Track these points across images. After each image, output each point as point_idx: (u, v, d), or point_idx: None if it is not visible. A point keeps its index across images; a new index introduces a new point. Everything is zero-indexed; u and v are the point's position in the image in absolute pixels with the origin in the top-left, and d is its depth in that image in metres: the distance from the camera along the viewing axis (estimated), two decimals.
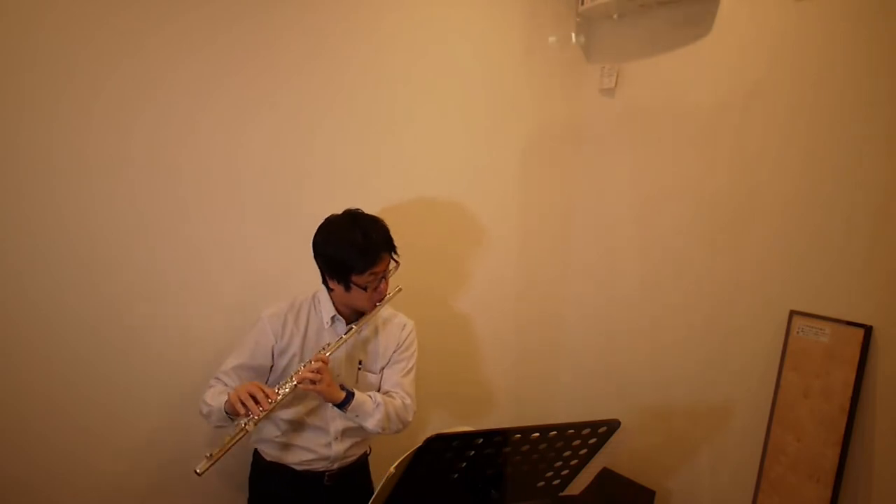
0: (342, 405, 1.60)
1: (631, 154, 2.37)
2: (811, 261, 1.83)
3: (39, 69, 1.62)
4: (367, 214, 1.66)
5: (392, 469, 1.19)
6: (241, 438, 1.45)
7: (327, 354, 1.58)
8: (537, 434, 1.24)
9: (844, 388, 1.69)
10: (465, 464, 1.25)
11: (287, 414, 1.69)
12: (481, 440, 1.21)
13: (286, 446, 1.71)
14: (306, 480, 1.72)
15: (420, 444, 1.15)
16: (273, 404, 1.48)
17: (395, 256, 1.66)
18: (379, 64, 2.09)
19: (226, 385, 1.65)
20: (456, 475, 1.27)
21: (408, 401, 1.73)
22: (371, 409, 1.64)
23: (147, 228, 1.80)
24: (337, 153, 2.05)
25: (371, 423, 1.63)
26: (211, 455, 1.41)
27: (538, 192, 2.48)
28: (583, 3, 2.35)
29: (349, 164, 2.08)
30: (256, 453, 1.80)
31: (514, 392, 2.56)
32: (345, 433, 1.72)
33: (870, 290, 1.70)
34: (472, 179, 2.33)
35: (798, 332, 1.83)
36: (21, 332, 1.68)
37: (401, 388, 1.74)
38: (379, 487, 1.23)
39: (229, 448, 1.43)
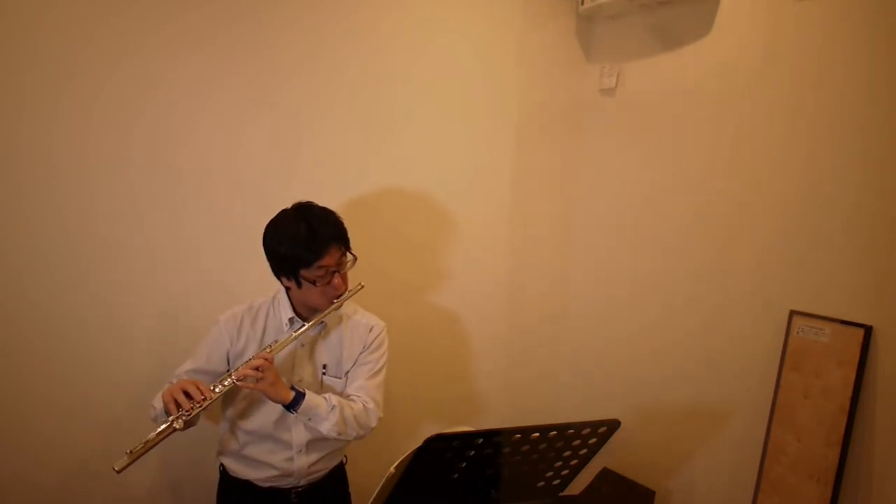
0: (291, 407, 1.50)
1: (631, 154, 2.36)
2: (811, 261, 1.83)
3: (39, 69, 1.62)
4: (318, 206, 1.57)
5: (392, 469, 1.19)
6: (168, 434, 1.36)
7: (273, 352, 1.50)
8: (537, 434, 1.24)
9: (844, 388, 1.69)
10: (465, 464, 1.25)
11: (249, 424, 1.60)
12: (481, 440, 1.21)
13: (247, 460, 1.62)
14: (273, 499, 1.63)
15: (420, 444, 1.15)
16: (208, 401, 1.40)
17: (344, 250, 1.57)
18: (379, 64, 2.09)
19: None
20: (456, 475, 1.27)
21: (370, 405, 1.62)
22: (325, 412, 1.53)
23: (147, 228, 1.79)
24: (337, 153, 2.05)
25: (325, 428, 1.53)
26: (131, 451, 1.33)
27: (538, 191, 2.48)
28: (583, 3, 2.35)
29: (349, 163, 2.08)
30: (222, 468, 1.70)
31: (514, 392, 2.56)
32: (310, 445, 1.62)
33: (870, 290, 1.70)
34: (472, 178, 2.33)
35: (798, 332, 1.83)
36: (21, 332, 1.68)
37: (364, 392, 1.63)
38: (379, 487, 1.23)
39: (152, 445, 1.35)
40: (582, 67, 2.49)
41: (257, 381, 1.45)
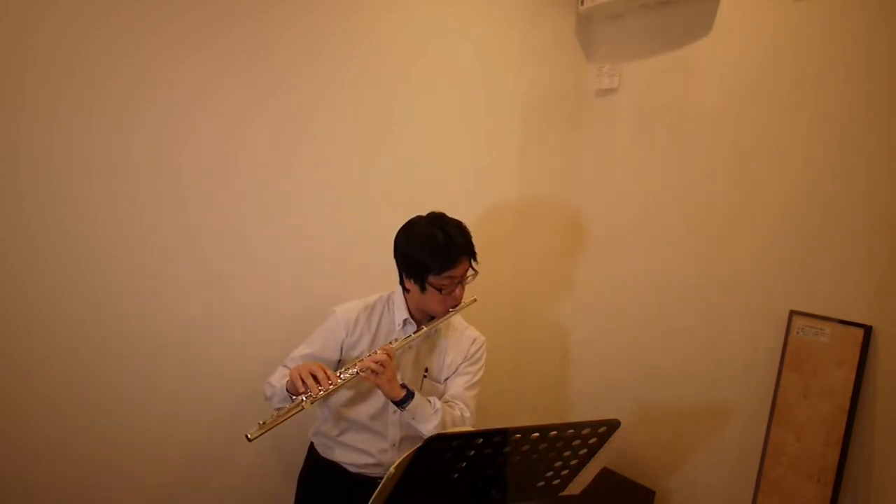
0: (401, 403, 1.57)
1: (631, 153, 2.37)
2: (811, 261, 1.83)
3: (39, 69, 1.62)
4: (451, 218, 1.65)
5: (392, 469, 1.19)
6: (296, 413, 1.43)
7: (393, 347, 1.57)
8: (537, 434, 1.24)
9: (844, 388, 1.70)
10: (465, 464, 1.25)
11: (350, 413, 1.68)
12: (481, 440, 1.21)
13: (344, 445, 1.70)
14: (357, 484, 1.68)
15: (420, 444, 1.15)
16: (333, 386, 1.47)
17: (473, 263, 1.65)
18: (379, 64, 2.09)
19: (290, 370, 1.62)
20: (456, 475, 1.27)
21: (466, 413, 1.69)
22: (430, 413, 1.61)
23: (147, 228, 1.79)
24: (337, 153, 2.05)
25: (427, 428, 1.60)
26: (264, 423, 1.40)
27: (538, 192, 2.48)
28: (583, 3, 2.35)
29: (349, 163, 2.08)
30: (312, 447, 1.78)
31: (514, 392, 2.56)
32: (402, 442, 1.69)
33: (870, 289, 1.70)
34: (473, 179, 2.33)
35: (798, 332, 1.83)
36: (21, 332, 1.68)
37: (461, 400, 1.71)
38: (379, 487, 1.23)
39: (283, 420, 1.41)
40: (582, 67, 2.49)
41: (377, 374, 1.51)
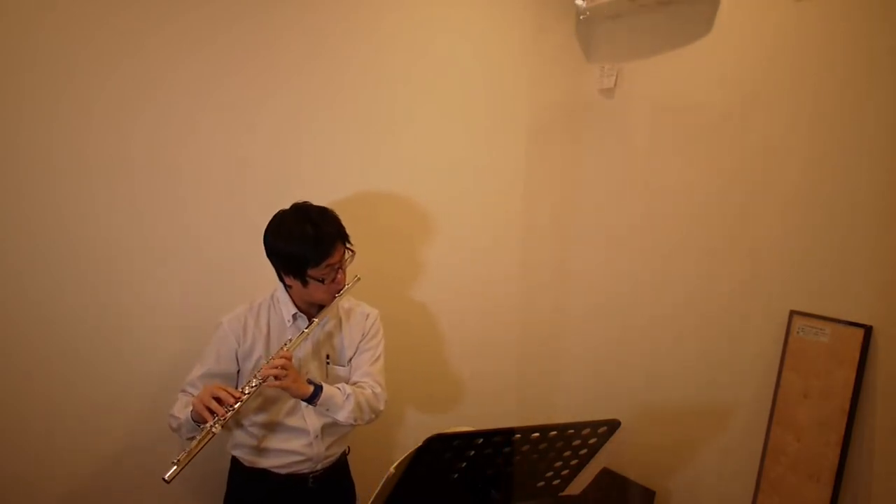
0: (311, 399, 1.56)
1: (631, 154, 2.36)
2: (811, 261, 1.83)
3: (40, 69, 1.62)
4: (316, 206, 1.62)
5: (392, 469, 1.19)
6: (208, 441, 1.41)
7: (290, 349, 1.55)
8: (537, 434, 1.24)
9: (844, 388, 1.69)
10: (465, 464, 1.25)
11: (262, 417, 1.65)
12: (481, 440, 1.21)
13: (266, 451, 1.66)
14: (290, 484, 1.67)
15: (420, 444, 1.15)
16: (239, 403, 1.45)
17: (348, 246, 1.63)
18: (379, 64, 2.09)
19: (192, 396, 1.60)
20: (456, 475, 1.27)
21: (378, 389, 1.69)
22: (341, 400, 1.60)
23: (147, 228, 1.79)
24: (337, 152, 2.05)
25: (343, 416, 1.61)
26: (178, 461, 1.37)
27: (538, 192, 2.48)
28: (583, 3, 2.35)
29: (349, 163, 2.08)
30: (234, 460, 1.73)
31: (515, 392, 2.56)
32: (324, 430, 1.68)
33: (870, 290, 1.70)
34: (472, 179, 2.33)
35: (798, 332, 1.83)
36: (21, 332, 1.68)
37: (370, 378, 1.70)
38: (379, 487, 1.23)
39: (196, 453, 1.39)
40: (582, 67, 2.49)
41: (279, 379, 1.50)
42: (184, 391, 1.64)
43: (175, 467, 1.37)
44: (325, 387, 1.59)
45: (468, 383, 2.44)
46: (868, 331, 1.67)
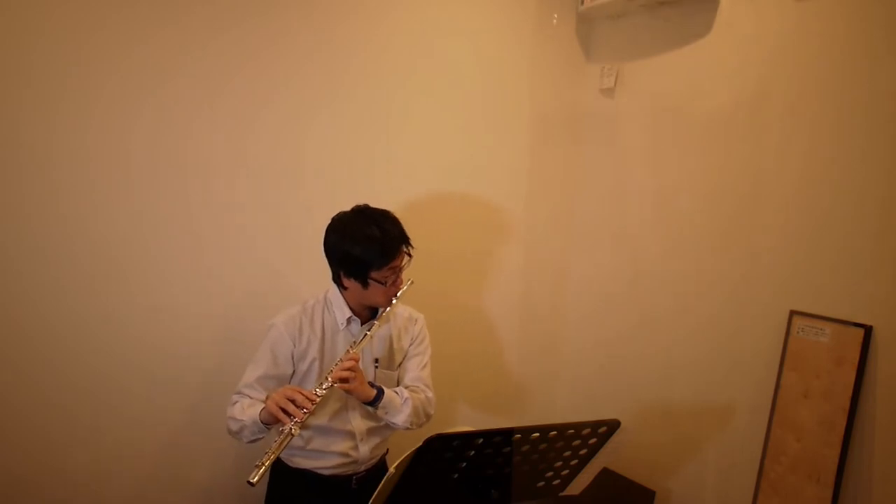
0: (373, 402, 1.58)
1: (631, 153, 2.37)
2: (811, 261, 1.83)
3: (40, 69, 1.62)
4: (377, 208, 1.63)
5: (392, 469, 1.19)
6: (288, 443, 1.42)
7: (357, 351, 1.56)
8: (537, 434, 1.24)
9: (844, 388, 1.69)
10: (465, 464, 1.25)
11: (313, 421, 1.65)
12: (481, 440, 1.21)
13: (312, 452, 1.68)
14: (334, 485, 1.69)
15: (420, 444, 1.15)
16: (314, 404, 1.46)
17: (408, 249, 1.63)
18: (378, 64, 2.09)
19: (250, 396, 1.61)
20: (456, 475, 1.27)
21: (429, 394, 1.72)
22: (400, 404, 1.62)
23: (147, 228, 1.79)
24: (338, 151, 2.05)
25: (401, 419, 1.62)
26: (261, 463, 1.39)
27: (539, 192, 2.48)
28: (583, 3, 2.35)
29: (349, 162, 2.08)
30: (277, 460, 1.70)
31: (515, 391, 2.56)
32: (369, 433, 1.70)
33: (870, 290, 1.70)
34: (472, 179, 2.33)
35: (798, 332, 1.83)
36: (21, 331, 1.68)
37: (420, 382, 1.72)
38: (379, 487, 1.23)
39: (278, 453, 1.41)
40: (582, 67, 2.49)
41: (348, 381, 1.51)
42: (240, 393, 1.63)
43: (259, 469, 1.38)
44: (386, 391, 1.60)
45: (467, 383, 2.44)
46: (868, 331, 1.67)
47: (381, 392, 1.59)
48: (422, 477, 1.22)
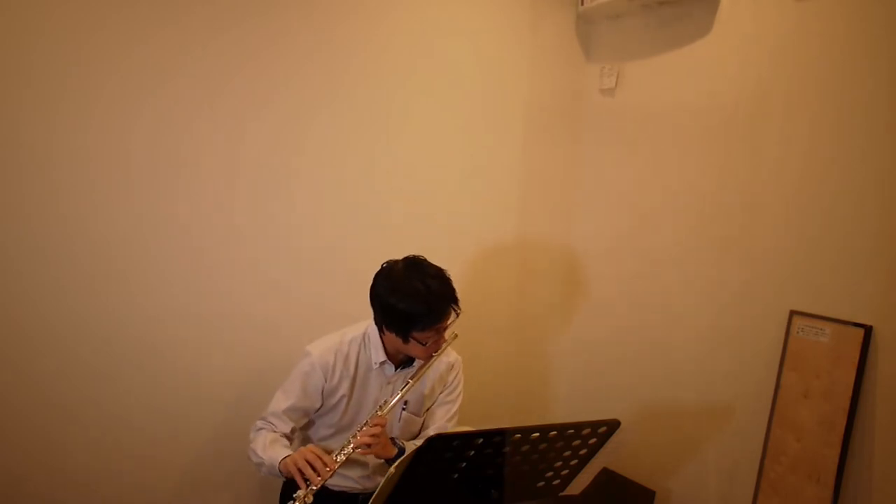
0: (392, 460, 1.56)
1: (631, 153, 2.36)
2: (811, 261, 1.83)
3: (40, 69, 1.62)
4: (432, 264, 1.57)
5: (392, 469, 1.19)
6: None
7: (384, 415, 1.53)
8: (537, 434, 1.24)
9: (844, 389, 1.69)
10: (465, 464, 1.25)
11: (333, 445, 1.65)
12: (481, 440, 1.21)
13: None
14: (340, 500, 1.70)
15: (420, 444, 1.15)
16: (331, 472, 1.45)
17: (456, 309, 1.57)
18: (378, 64, 2.09)
19: (274, 428, 1.60)
20: (456, 475, 1.27)
21: None
22: None
23: (147, 228, 1.79)
24: (338, 151, 2.05)
25: None
26: None
27: (538, 191, 2.48)
28: (583, 3, 2.35)
29: (350, 162, 2.08)
30: None
31: (514, 391, 2.56)
32: (382, 466, 1.67)
33: (870, 290, 1.70)
34: (472, 179, 2.33)
35: (798, 332, 1.83)
36: (21, 331, 1.68)
37: None
38: (379, 487, 1.23)
39: None
40: (582, 67, 2.49)
41: (371, 446, 1.50)
42: (265, 420, 1.62)
43: None
44: (407, 448, 1.58)
45: (467, 383, 2.43)
46: (868, 331, 1.67)
47: (401, 451, 1.57)
48: (422, 477, 1.22)
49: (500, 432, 1.21)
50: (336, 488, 1.69)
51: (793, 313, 1.85)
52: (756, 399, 1.94)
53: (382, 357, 1.63)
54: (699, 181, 2.13)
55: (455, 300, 1.56)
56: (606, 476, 2.27)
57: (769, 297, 1.92)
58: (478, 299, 2.40)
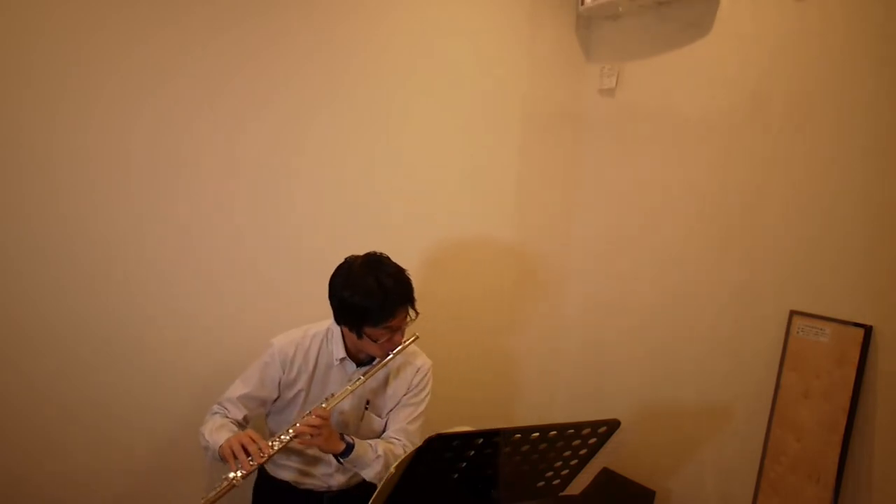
0: (341, 455, 1.53)
1: (631, 153, 2.36)
2: (811, 261, 1.83)
3: (40, 69, 1.62)
4: (391, 262, 1.56)
5: (392, 469, 1.19)
6: (228, 491, 1.40)
7: (329, 408, 1.52)
8: (537, 434, 1.24)
9: (844, 388, 1.69)
10: (465, 464, 1.25)
11: (294, 445, 1.61)
12: (481, 440, 1.21)
13: (290, 468, 1.68)
14: (307, 499, 1.69)
15: (420, 444, 1.15)
16: (265, 458, 1.44)
17: (411, 310, 1.56)
18: (378, 64, 2.09)
19: (227, 413, 1.61)
20: (456, 475, 1.27)
21: (410, 449, 1.62)
22: (371, 459, 1.56)
23: (147, 228, 1.80)
24: (338, 151, 2.05)
25: (369, 474, 1.57)
26: (204, 501, 1.39)
27: (538, 191, 2.48)
28: (583, 3, 2.35)
29: (350, 162, 2.08)
30: (261, 469, 1.71)
31: (514, 392, 2.56)
32: (346, 464, 1.64)
33: (870, 290, 1.70)
34: (472, 179, 2.33)
35: (798, 332, 1.83)
36: (21, 331, 1.68)
37: (404, 436, 1.65)
38: (379, 487, 1.23)
39: (215, 500, 1.39)
40: (582, 67, 2.49)
41: (313, 436, 1.48)
42: (220, 405, 1.63)
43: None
44: (358, 445, 1.54)
45: (467, 383, 2.44)
46: (868, 331, 1.67)
47: (350, 447, 1.53)
48: (422, 477, 1.22)
49: (501, 432, 1.21)
50: (302, 487, 1.68)
51: (793, 313, 1.85)
52: (756, 399, 1.94)
53: (342, 354, 1.62)
54: (699, 181, 2.13)
55: (410, 300, 1.55)
56: (606, 476, 2.27)
57: (769, 297, 1.92)
58: (477, 298, 2.41)
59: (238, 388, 1.63)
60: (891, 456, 1.64)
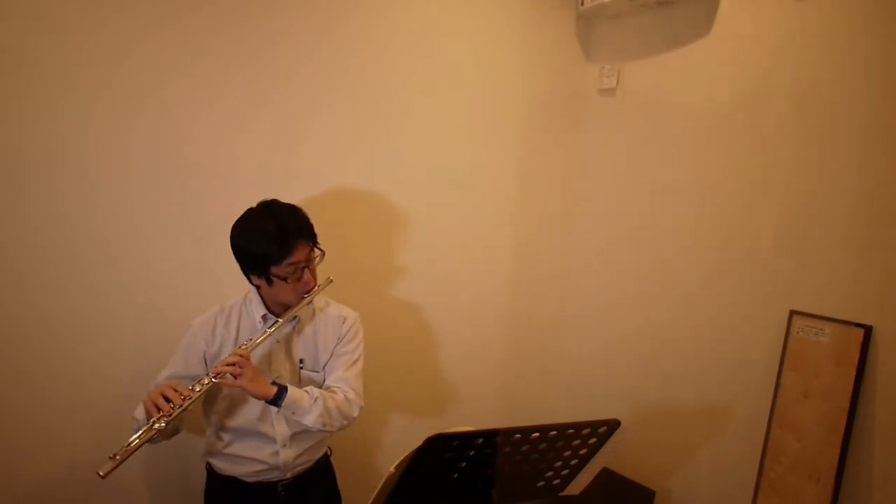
0: (276, 401, 1.50)
1: (631, 153, 2.37)
2: (811, 261, 1.83)
3: (41, 70, 1.62)
4: (284, 203, 1.58)
5: (392, 469, 1.19)
6: (149, 439, 1.37)
7: (248, 348, 1.51)
8: (537, 434, 1.24)
9: (844, 388, 1.69)
10: (465, 464, 1.25)
11: (233, 422, 1.62)
12: (481, 440, 1.21)
13: (233, 458, 1.64)
14: (260, 493, 1.65)
15: (420, 443, 1.15)
16: (188, 401, 1.41)
17: (317, 245, 1.58)
18: (378, 64, 2.09)
19: None
20: (456, 475, 1.27)
21: (351, 395, 1.62)
22: (308, 404, 1.54)
23: (147, 228, 1.80)
24: (338, 151, 2.05)
25: (310, 420, 1.54)
26: (114, 455, 1.34)
27: (538, 191, 2.48)
28: (583, 3, 2.35)
29: (350, 162, 2.08)
30: (209, 467, 1.71)
31: (513, 391, 2.56)
32: (294, 438, 1.63)
33: (870, 290, 1.70)
34: (472, 180, 2.33)
35: (798, 332, 1.83)
36: (21, 331, 1.68)
37: (343, 383, 1.63)
38: (379, 487, 1.23)
39: (134, 451, 1.35)
40: (582, 67, 2.49)
41: (235, 377, 1.46)
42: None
43: (110, 462, 1.33)
44: (291, 388, 1.52)
45: (463, 383, 2.44)
46: (868, 331, 1.67)
47: (283, 389, 1.50)
48: (422, 477, 1.22)
49: (500, 432, 1.22)
50: (252, 479, 1.64)
51: (793, 313, 1.85)
52: (756, 399, 1.94)
53: (262, 311, 1.62)
54: (698, 181, 2.13)
55: (308, 235, 1.56)
56: (606, 476, 2.27)
57: (769, 297, 1.92)
58: (476, 297, 2.41)
59: (164, 372, 1.61)
60: (891, 456, 1.65)
